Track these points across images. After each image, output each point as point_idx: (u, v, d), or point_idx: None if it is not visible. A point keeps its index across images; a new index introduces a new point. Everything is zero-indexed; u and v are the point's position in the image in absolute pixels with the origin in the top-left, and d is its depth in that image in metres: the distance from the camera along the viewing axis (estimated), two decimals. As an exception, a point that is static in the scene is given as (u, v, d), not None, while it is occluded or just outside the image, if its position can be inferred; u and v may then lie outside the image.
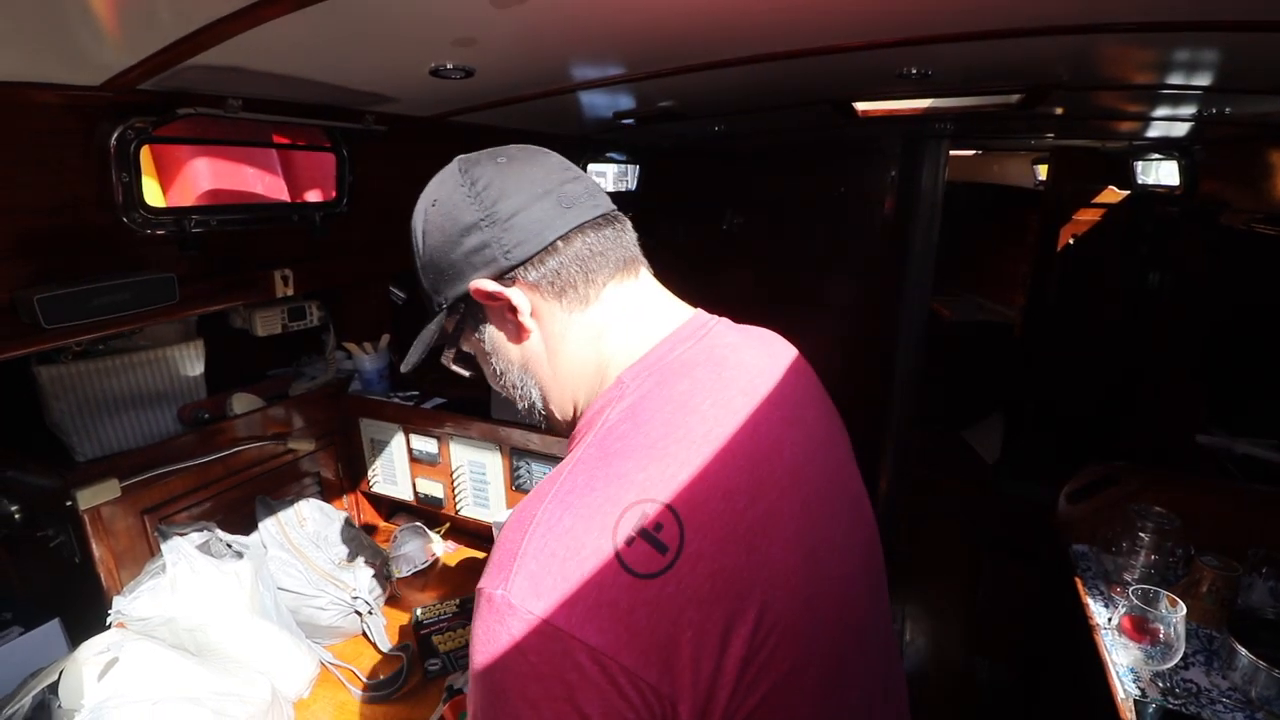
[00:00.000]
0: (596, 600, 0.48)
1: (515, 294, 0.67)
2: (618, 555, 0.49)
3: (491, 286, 0.67)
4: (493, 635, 0.49)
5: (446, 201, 0.69)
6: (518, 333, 0.70)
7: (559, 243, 0.66)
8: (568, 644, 0.47)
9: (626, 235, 0.72)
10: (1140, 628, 1.23)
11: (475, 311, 0.72)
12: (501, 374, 0.74)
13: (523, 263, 0.66)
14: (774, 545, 0.55)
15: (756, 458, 0.59)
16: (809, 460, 0.64)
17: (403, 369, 0.80)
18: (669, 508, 0.51)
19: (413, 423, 1.65)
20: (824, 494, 0.65)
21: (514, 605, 0.49)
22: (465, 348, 0.77)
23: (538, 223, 0.66)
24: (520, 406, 0.76)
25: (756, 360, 0.68)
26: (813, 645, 0.57)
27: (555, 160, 0.72)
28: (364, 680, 1.33)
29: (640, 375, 0.64)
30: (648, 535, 0.50)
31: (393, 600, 1.57)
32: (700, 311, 0.74)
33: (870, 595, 0.70)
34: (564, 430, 0.74)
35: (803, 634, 0.56)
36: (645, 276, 0.73)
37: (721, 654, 0.50)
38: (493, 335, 0.72)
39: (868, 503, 0.76)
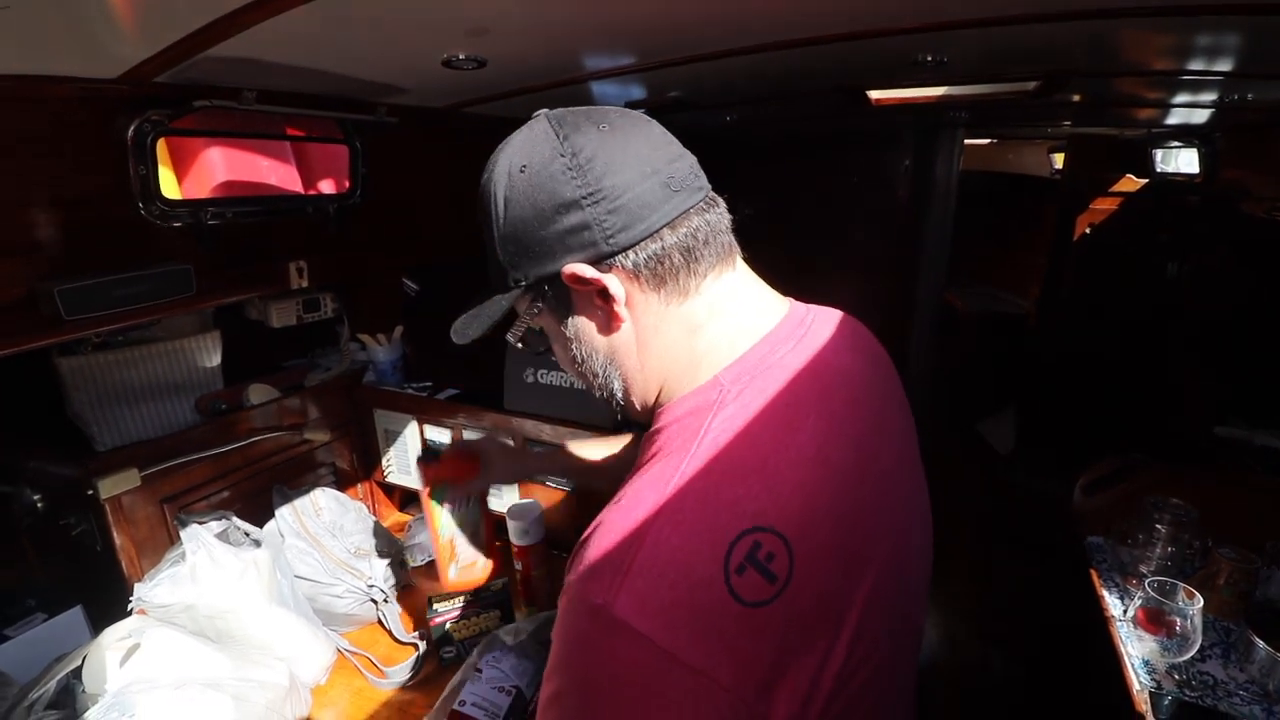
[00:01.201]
0: (705, 627, 0.47)
1: (612, 281, 0.61)
2: (729, 584, 0.48)
3: (588, 272, 0.61)
4: (591, 643, 0.50)
5: (541, 170, 0.61)
6: (608, 322, 0.65)
7: (665, 229, 0.61)
8: (671, 664, 0.47)
9: (725, 219, 0.67)
10: (1156, 620, 1.22)
11: (561, 294, 0.65)
12: (582, 360, 0.69)
13: (625, 249, 0.60)
14: (872, 564, 0.55)
15: (861, 481, 0.58)
16: (897, 472, 0.64)
17: (455, 340, 0.76)
18: (781, 537, 0.50)
19: (426, 413, 1.66)
20: (908, 504, 0.65)
21: (618, 619, 0.48)
22: (537, 326, 0.72)
23: (645, 206, 0.60)
24: (597, 395, 0.72)
25: (854, 364, 0.66)
26: (892, 654, 0.59)
27: (659, 132, 0.65)
28: (380, 667, 1.34)
29: (741, 379, 0.60)
30: (759, 565, 0.49)
31: (407, 589, 1.58)
32: (795, 304, 0.70)
33: (922, 611, 0.70)
34: (643, 418, 0.70)
35: (886, 645, 0.57)
36: (742, 265, 0.69)
37: (819, 673, 0.50)
38: (577, 321, 0.67)
39: (930, 514, 0.74)
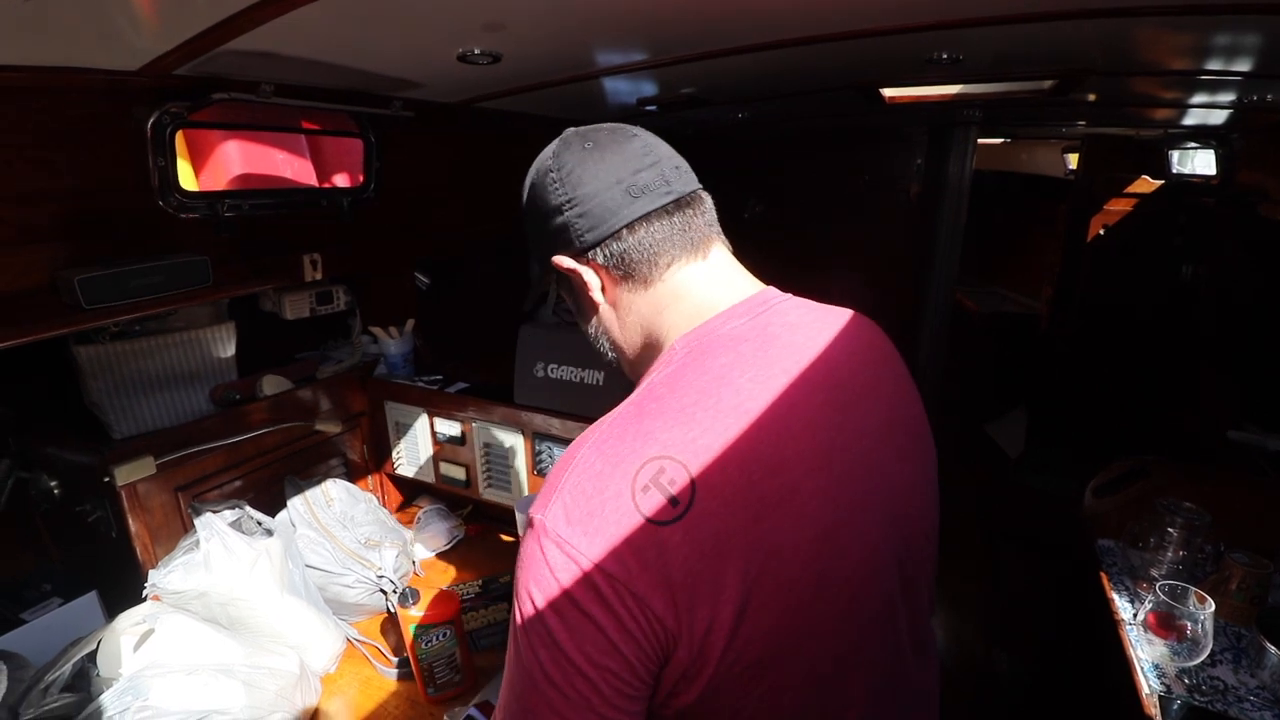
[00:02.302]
0: (615, 535, 0.55)
1: (587, 272, 0.75)
2: (635, 500, 0.55)
3: (569, 263, 0.76)
4: (530, 553, 0.58)
5: (540, 182, 0.76)
6: (591, 303, 0.78)
7: (624, 230, 0.72)
8: (587, 566, 0.54)
9: (699, 218, 0.76)
10: (1167, 624, 1.21)
11: (563, 277, 0.79)
12: (585, 328, 0.84)
13: (594, 245, 0.73)
14: (786, 519, 0.58)
15: (784, 435, 0.61)
16: (848, 446, 0.65)
17: (525, 309, 0.92)
18: (684, 466, 0.56)
19: (437, 406, 1.67)
20: (859, 481, 0.65)
21: (549, 530, 0.57)
22: (564, 295, 0.86)
23: (608, 211, 0.72)
24: (603, 356, 0.84)
25: (813, 341, 0.69)
26: (815, 621, 0.60)
27: (636, 146, 0.75)
28: (389, 657, 1.35)
29: (689, 344, 0.69)
30: (661, 487, 0.56)
31: (416, 580, 1.60)
32: (769, 290, 0.76)
33: (897, 592, 0.69)
34: (633, 379, 0.81)
35: (803, 609, 0.59)
36: (716, 256, 0.77)
37: (715, 606, 0.55)
38: (575, 298, 0.82)
39: (923, 501, 0.75)
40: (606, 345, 0.82)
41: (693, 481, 0.56)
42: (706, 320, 0.71)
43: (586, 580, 0.54)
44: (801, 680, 0.60)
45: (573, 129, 0.79)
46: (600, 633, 0.54)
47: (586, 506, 0.56)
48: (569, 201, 0.73)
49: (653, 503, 0.55)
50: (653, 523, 0.54)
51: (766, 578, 0.56)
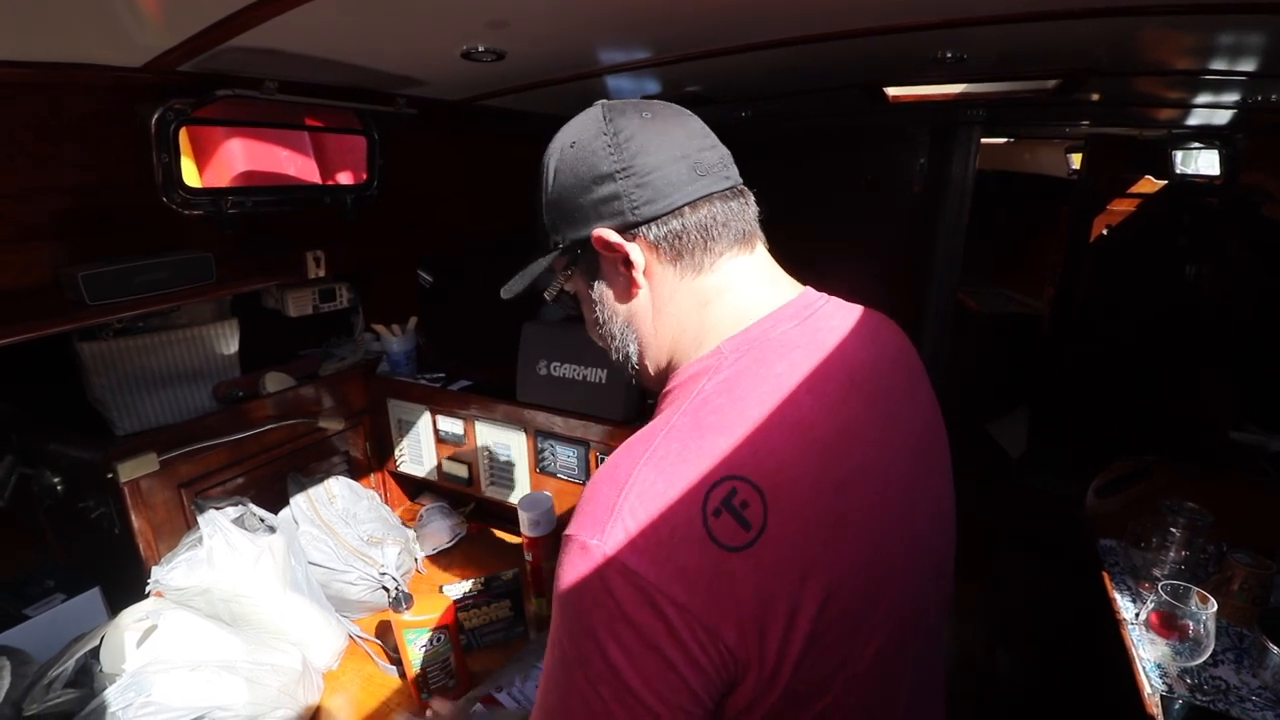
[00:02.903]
0: (685, 564, 0.51)
1: (634, 249, 0.68)
2: (706, 525, 0.51)
3: (613, 237, 0.68)
4: (585, 580, 0.52)
5: (586, 146, 0.69)
6: (628, 287, 0.71)
7: (686, 208, 0.67)
8: (656, 597, 0.50)
9: (749, 210, 0.73)
10: (1169, 623, 1.21)
11: (590, 258, 0.73)
12: (603, 323, 0.76)
13: (649, 221, 0.67)
14: (850, 536, 0.56)
15: (846, 451, 0.59)
16: (896, 460, 0.64)
17: (503, 294, 0.82)
18: (756, 487, 0.53)
19: (439, 404, 1.67)
20: (906, 495, 0.64)
21: (609, 555, 0.52)
22: (569, 289, 0.79)
23: (670, 185, 0.67)
24: (614, 357, 0.78)
25: (860, 350, 0.67)
26: (870, 635, 0.58)
27: (697, 125, 0.72)
28: (390, 654, 1.36)
29: (740, 348, 0.64)
30: (734, 511, 0.52)
31: (418, 577, 1.60)
32: (809, 290, 0.73)
33: (932, 606, 0.69)
34: (654, 386, 0.76)
35: (862, 624, 0.58)
36: (760, 252, 0.74)
37: (789, 629, 0.52)
38: (602, 285, 0.74)
39: (951, 515, 0.74)
40: (631, 340, 0.75)
41: (765, 504, 0.52)
42: (756, 321, 0.67)
43: (657, 614, 0.50)
44: (857, 699, 0.59)
45: (609, 101, 0.73)
46: (670, 669, 0.51)
47: (654, 534, 0.51)
48: (625, 170, 0.66)
49: (726, 528, 0.51)
50: (726, 549, 0.51)
51: (834, 599, 0.54)
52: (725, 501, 0.52)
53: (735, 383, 0.61)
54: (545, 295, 0.80)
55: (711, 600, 0.50)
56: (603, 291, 0.74)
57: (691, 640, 0.50)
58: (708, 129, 0.72)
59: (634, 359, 0.76)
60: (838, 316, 0.70)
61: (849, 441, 0.60)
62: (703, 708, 0.53)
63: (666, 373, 0.73)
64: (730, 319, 0.68)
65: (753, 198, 0.74)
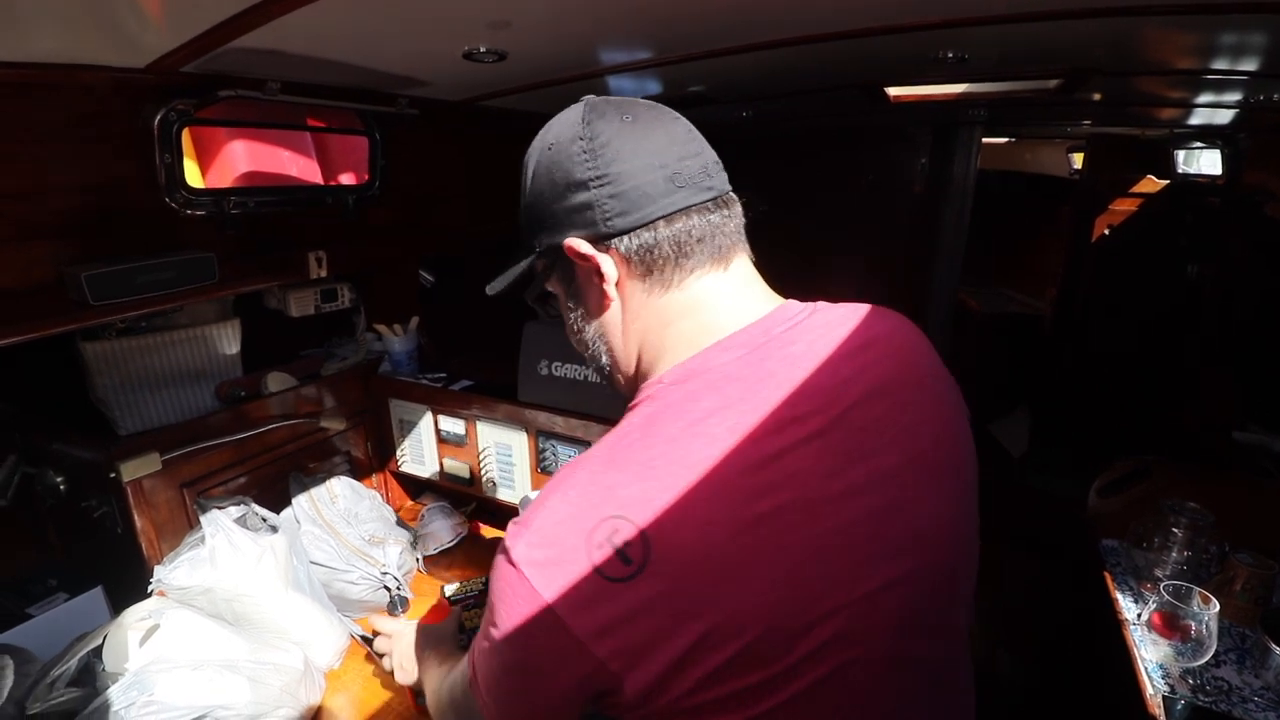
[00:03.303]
0: (567, 582, 0.55)
1: (606, 261, 0.67)
2: (590, 556, 0.55)
3: (585, 249, 0.67)
4: (498, 573, 0.60)
5: (563, 150, 0.67)
6: (600, 299, 0.71)
7: (661, 221, 0.65)
8: (540, 605, 0.56)
9: (732, 222, 0.70)
10: (1171, 624, 1.21)
11: (565, 264, 0.71)
12: (577, 330, 0.76)
13: (621, 233, 0.66)
14: (752, 577, 0.55)
15: (757, 490, 0.57)
16: (857, 494, 0.59)
17: (487, 291, 0.81)
18: (640, 529, 0.55)
19: (440, 404, 1.67)
20: (868, 529, 0.59)
21: (515, 563, 0.58)
22: (550, 289, 0.78)
23: (645, 196, 0.65)
24: (590, 365, 0.78)
25: (817, 378, 0.62)
26: (795, 674, 0.56)
27: (681, 129, 0.69)
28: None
29: (678, 379, 0.64)
30: (615, 547, 0.55)
31: (419, 577, 1.60)
32: (785, 306, 0.70)
33: (923, 637, 0.63)
34: (626, 396, 0.74)
35: (774, 659, 0.55)
36: (736, 268, 0.70)
37: (665, 657, 0.54)
38: (576, 292, 0.74)
39: (957, 540, 0.66)
40: (603, 351, 0.74)
41: (646, 542, 0.54)
42: (702, 350, 0.65)
43: (536, 616, 0.56)
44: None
45: (597, 97, 0.70)
46: (545, 661, 0.58)
47: (546, 551, 0.57)
48: (600, 178, 0.65)
49: (605, 559, 0.54)
50: (605, 578, 0.54)
51: (727, 636, 0.54)
52: (609, 537, 0.55)
53: (656, 418, 0.62)
54: (525, 297, 0.80)
55: (588, 617, 0.55)
56: (577, 299, 0.74)
57: (565, 642, 0.56)
58: (693, 133, 0.70)
59: (606, 367, 0.76)
60: (806, 339, 0.65)
61: (773, 479, 0.57)
62: (566, 700, 0.59)
63: (635, 384, 0.73)
64: (685, 342, 0.67)
65: (739, 206, 0.72)
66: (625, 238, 0.66)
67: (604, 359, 0.75)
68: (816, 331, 0.66)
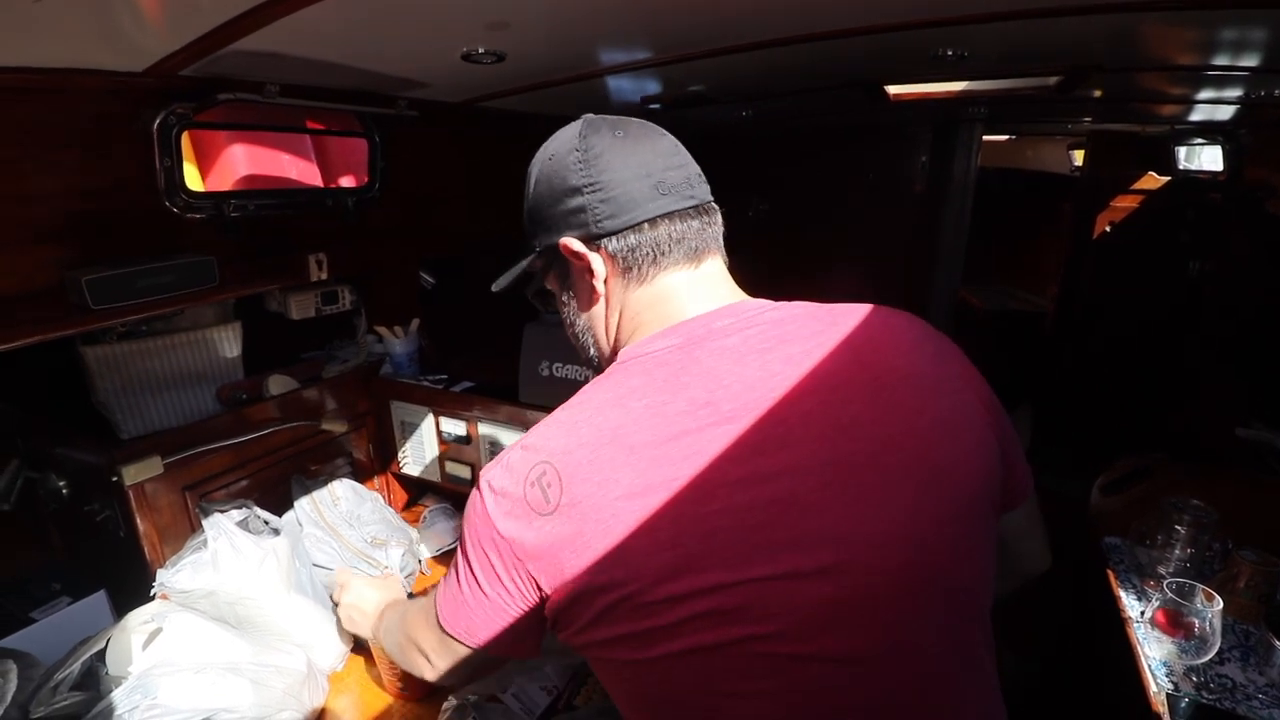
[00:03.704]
0: (510, 511, 0.68)
1: (596, 259, 0.75)
2: (524, 493, 0.67)
3: (578, 247, 0.75)
4: (472, 498, 0.72)
5: (561, 160, 0.75)
6: (590, 294, 0.79)
7: (645, 224, 0.74)
8: (494, 525, 0.68)
9: (710, 228, 0.78)
10: (1175, 621, 1.21)
11: (561, 262, 0.80)
12: (571, 322, 0.85)
13: (610, 234, 0.74)
14: (640, 537, 0.62)
15: (655, 461, 0.63)
16: (745, 481, 0.62)
17: (493, 288, 0.90)
18: (558, 474, 0.66)
19: (442, 406, 1.67)
20: (746, 517, 0.61)
21: (480, 489, 0.71)
22: (549, 286, 0.86)
23: (632, 201, 0.73)
24: (582, 355, 0.86)
25: (741, 370, 0.66)
26: (679, 632, 0.62)
27: (667, 144, 0.77)
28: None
29: (622, 361, 0.74)
30: (540, 486, 0.66)
31: (422, 578, 1.60)
32: (737, 305, 0.74)
33: (882, 634, 0.63)
34: None
35: (658, 613, 0.62)
36: (706, 267, 0.77)
37: (570, 580, 0.64)
38: (570, 287, 0.83)
39: (893, 543, 0.63)
40: (590, 341, 0.83)
41: (562, 487, 0.65)
42: (649, 336, 0.74)
43: (491, 532, 0.68)
44: (690, 679, 0.64)
45: (595, 115, 0.78)
46: (491, 567, 0.69)
47: (500, 483, 0.69)
48: (592, 184, 0.73)
49: (534, 497, 0.66)
50: (534, 511, 0.66)
51: (606, 580, 0.63)
52: (539, 478, 0.66)
53: (593, 389, 0.72)
54: (526, 293, 0.90)
55: (522, 541, 0.66)
56: (570, 295, 0.83)
57: (510, 555, 0.67)
58: (679, 148, 0.78)
59: (594, 357, 0.85)
60: (753, 331, 0.70)
61: (673, 454, 0.63)
62: (516, 602, 0.69)
63: None
64: (645, 330, 0.75)
65: (719, 215, 0.79)
66: (613, 238, 0.74)
67: (591, 349, 0.84)
68: (760, 328, 0.71)
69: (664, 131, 0.78)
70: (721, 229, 0.80)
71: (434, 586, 0.83)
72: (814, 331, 0.69)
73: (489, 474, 0.71)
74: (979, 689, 0.72)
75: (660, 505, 0.62)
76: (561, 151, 0.75)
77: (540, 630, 0.73)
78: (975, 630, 0.71)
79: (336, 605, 1.26)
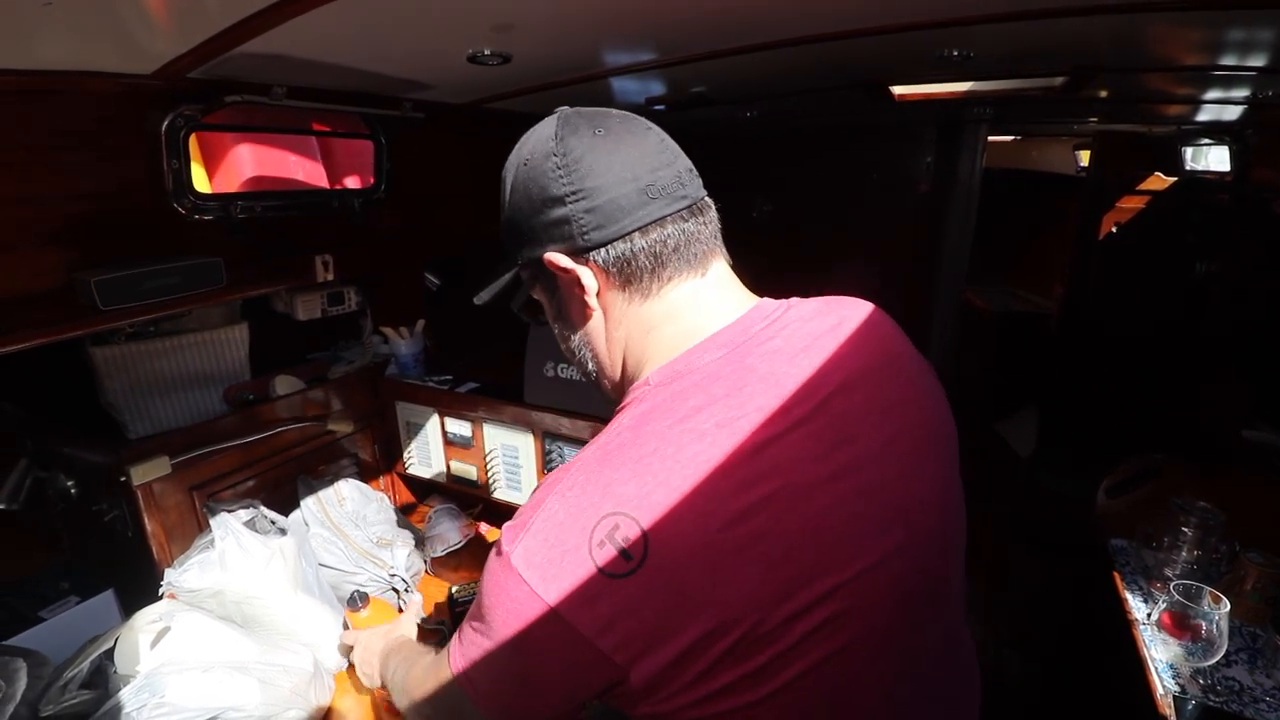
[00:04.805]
0: (570, 583, 0.57)
1: (585, 273, 0.69)
2: (591, 554, 0.57)
3: (565, 261, 0.69)
4: (494, 578, 0.62)
5: (537, 166, 0.69)
6: (583, 309, 0.73)
7: (636, 233, 0.67)
8: (543, 606, 0.57)
9: (706, 229, 0.72)
10: (1181, 624, 1.20)
11: (547, 276, 0.74)
12: (565, 338, 0.79)
13: (598, 246, 0.68)
14: (746, 565, 0.57)
15: (749, 480, 0.58)
16: (843, 473, 0.61)
17: (475, 300, 0.84)
18: (637, 523, 0.56)
19: (447, 406, 1.68)
20: (847, 510, 0.61)
21: (513, 566, 0.59)
22: (536, 298, 0.81)
23: (620, 210, 0.67)
24: (580, 370, 0.80)
25: (797, 368, 0.64)
26: (797, 654, 0.58)
27: (653, 140, 0.71)
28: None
29: (664, 380, 0.66)
30: (616, 543, 0.56)
31: (428, 579, 1.60)
32: (761, 305, 0.72)
33: (905, 622, 0.64)
34: (613, 400, 0.77)
35: (775, 641, 0.57)
36: (714, 273, 0.73)
37: (675, 651, 0.56)
38: (559, 302, 0.76)
39: (954, 511, 0.70)
40: (589, 358, 0.77)
41: (646, 537, 0.56)
42: (685, 351, 0.68)
43: (540, 616, 0.58)
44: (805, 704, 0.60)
45: (570, 108, 0.72)
46: (543, 660, 0.60)
47: (547, 554, 0.58)
48: (575, 193, 0.67)
49: (607, 557, 0.56)
50: (607, 575, 0.56)
51: (728, 629, 0.56)
52: (609, 534, 0.57)
53: (646, 418, 0.63)
54: (511, 306, 0.83)
55: (592, 616, 0.56)
56: (561, 309, 0.77)
57: (567, 647, 0.58)
58: (666, 142, 0.72)
59: (593, 373, 0.79)
60: (783, 336, 0.68)
61: (758, 468, 0.59)
62: (570, 694, 0.62)
63: (621, 389, 0.75)
64: (668, 346, 0.69)
65: (714, 211, 0.74)
66: (602, 250, 0.68)
67: (590, 365, 0.78)
68: (792, 326, 0.69)
69: (648, 124, 0.72)
70: (718, 225, 0.74)
71: (433, 639, 0.75)
72: (831, 326, 0.70)
73: (525, 545, 0.60)
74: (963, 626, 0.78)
75: (764, 523, 0.58)
76: (538, 156, 0.69)
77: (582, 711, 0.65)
78: (959, 579, 0.75)
79: (351, 666, 1.23)
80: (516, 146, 0.74)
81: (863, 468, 0.63)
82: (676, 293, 0.70)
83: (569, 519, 0.59)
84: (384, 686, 1.04)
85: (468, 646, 0.66)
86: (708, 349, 0.67)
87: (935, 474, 0.69)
